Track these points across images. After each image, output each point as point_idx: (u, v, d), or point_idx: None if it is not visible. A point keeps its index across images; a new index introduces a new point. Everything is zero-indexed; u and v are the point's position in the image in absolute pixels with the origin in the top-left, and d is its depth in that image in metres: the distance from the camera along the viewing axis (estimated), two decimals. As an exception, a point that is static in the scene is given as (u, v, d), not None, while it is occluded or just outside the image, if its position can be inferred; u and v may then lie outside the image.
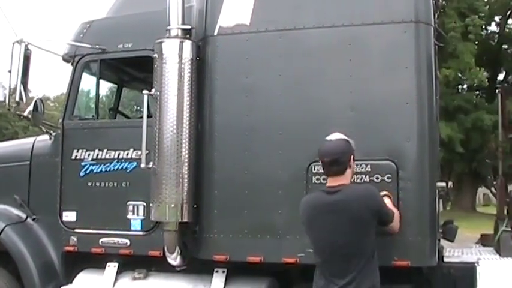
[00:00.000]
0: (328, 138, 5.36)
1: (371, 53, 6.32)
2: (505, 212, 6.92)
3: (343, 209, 5.05)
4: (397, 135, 6.07)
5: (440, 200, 7.64)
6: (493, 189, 7.63)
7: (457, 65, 31.76)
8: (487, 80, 36.76)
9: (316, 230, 5.12)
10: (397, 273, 5.99)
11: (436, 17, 6.93)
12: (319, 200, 5.18)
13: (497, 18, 40.35)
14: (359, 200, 5.11)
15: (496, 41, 40.88)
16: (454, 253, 6.90)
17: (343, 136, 5.38)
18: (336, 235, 5.02)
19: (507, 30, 40.12)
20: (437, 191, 6.32)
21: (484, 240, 7.42)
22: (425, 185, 6.03)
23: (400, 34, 6.22)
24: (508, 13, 39.22)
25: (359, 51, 6.32)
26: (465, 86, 39.45)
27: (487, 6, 37.75)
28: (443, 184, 6.89)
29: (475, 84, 36.22)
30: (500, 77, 41.67)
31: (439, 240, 6.40)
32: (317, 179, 6.15)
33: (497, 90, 33.45)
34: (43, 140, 7.92)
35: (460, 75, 34.08)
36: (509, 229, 6.63)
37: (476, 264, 6.03)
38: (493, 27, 41.14)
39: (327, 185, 5.26)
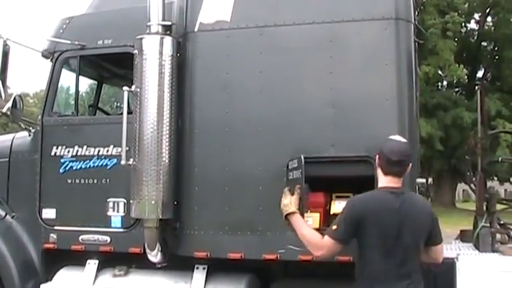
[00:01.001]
0: (392, 138, 5.25)
1: (351, 49, 6.33)
2: (484, 208, 6.96)
3: (410, 211, 4.99)
4: (377, 131, 6.08)
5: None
6: (472, 185, 7.66)
7: (437, 62, 31.95)
8: (466, 77, 37.00)
9: (382, 227, 4.90)
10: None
11: (416, 14, 6.97)
12: (386, 198, 5.00)
13: (476, 16, 40.69)
14: (425, 208, 5.16)
15: (475, 38, 41.20)
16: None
17: (404, 140, 5.35)
18: (402, 234, 4.90)
19: (486, 27, 40.45)
20: (417, 187, 6.35)
21: (463, 236, 7.46)
22: (404, 181, 6.04)
23: (381, 31, 6.25)
24: (487, 10, 39.53)
25: (340, 48, 6.34)
26: (445, 83, 39.75)
27: (467, 4, 38.03)
28: (423, 180, 6.94)
29: (455, 81, 36.48)
30: (480, 74, 42.00)
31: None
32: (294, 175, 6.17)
33: (476, 87, 33.72)
34: (22, 136, 7.87)
35: (439, 72, 34.29)
36: (488, 225, 6.68)
37: (455, 260, 6.07)
38: (472, 25, 41.54)
39: (384, 184, 5.09)
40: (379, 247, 4.91)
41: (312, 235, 5.17)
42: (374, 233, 4.90)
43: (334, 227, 4.99)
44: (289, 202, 5.44)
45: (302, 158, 5.76)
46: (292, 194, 5.51)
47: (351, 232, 4.94)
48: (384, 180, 5.10)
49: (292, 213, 5.34)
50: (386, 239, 4.90)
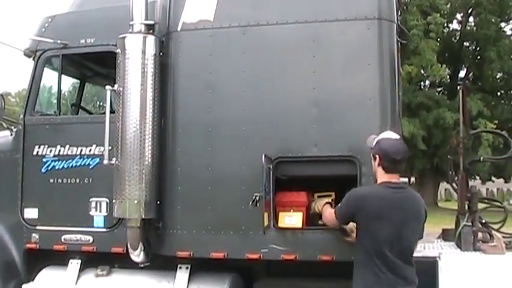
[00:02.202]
0: (387, 136, 5.49)
1: (334, 49, 6.35)
2: (466, 207, 6.99)
3: (410, 207, 5.30)
4: (359, 131, 6.10)
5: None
6: (454, 184, 7.67)
7: (419, 62, 32.07)
8: (448, 77, 37.23)
9: (385, 222, 5.11)
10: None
11: (399, 14, 6.99)
12: (388, 194, 5.23)
13: (458, 16, 40.91)
14: (421, 203, 5.42)
15: (457, 38, 41.38)
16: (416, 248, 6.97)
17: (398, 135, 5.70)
18: (403, 229, 5.15)
19: (468, 27, 40.64)
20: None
21: (446, 235, 7.49)
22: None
23: (363, 31, 6.27)
24: (469, 11, 39.72)
25: (322, 47, 6.35)
26: (427, 82, 39.92)
27: (449, 4, 38.22)
28: (406, 179, 6.95)
29: (437, 81, 36.64)
30: (462, 74, 42.21)
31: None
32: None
33: (458, 87, 33.88)
34: (4, 136, 7.79)
35: (422, 72, 34.43)
36: (470, 224, 6.70)
37: (437, 259, 6.09)
38: (454, 25, 41.71)
39: (385, 180, 5.32)
40: (381, 239, 5.10)
41: (328, 215, 5.75)
42: (376, 225, 5.13)
43: (339, 205, 5.48)
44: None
45: (263, 157, 5.99)
46: None
47: (348, 217, 5.43)
48: (384, 177, 5.34)
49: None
50: (389, 232, 5.10)
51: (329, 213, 5.70)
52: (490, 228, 6.96)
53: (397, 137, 5.57)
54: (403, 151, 5.37)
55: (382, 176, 5.34)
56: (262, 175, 6.02)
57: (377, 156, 5.35)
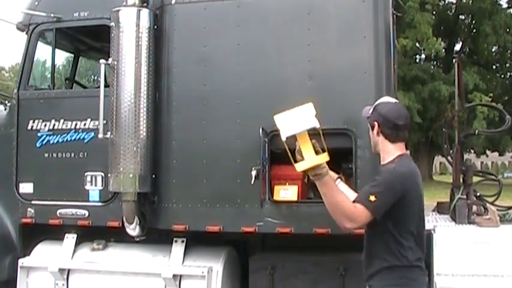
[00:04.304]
0: (386, 100, 4.85)
1: (329, 22, 6.31)
2: (461, 180, 7.00)
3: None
4: (355, 104, 6.08)
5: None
6: (449, 158, 7.68)
7: (415, 35, 32.02)
8: (443, 50, 37.15)
9: (418, 201, 4.50)
10: (356, 239, 6.06)
11: (394, -14, 6.95)
12: (414, 166, 4.64)
13: (454, -11, 40.74)
14: None
15: (453, 11, 41.27)
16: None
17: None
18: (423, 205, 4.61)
19: (464, 0, 40.49)
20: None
21: (440, 208, 7.51)
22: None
23: (359, 3, 6.22)
24: (465, -17, 39.58)
25: (317, 20, 6.31)
26: (422, 56, 39.88)
27: (445, -23, 38.06)
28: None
29: (432, 55, 36.58)
30: (457, 47, 42.17)
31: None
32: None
33: (453, 61, 33.84)
34: (-2, 111, 7.79)
35: (417, 45, 34.38)
36: (465, 197, 6.72)
37: (432, 232, 6.10)
38: (450, -2, 41.56)
39: (398, 152, 4.59)
40: (416, 224, 4.49)
41: (347, 205, 4.30)
42: (415, 208, 4.47)
43: (373, 198, 4.26)
44: (312, 156, 4.39)
45: (260, 130, 5.96)
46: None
47: (389, 206, 4.30)
48: (394, 148, 4.60)
49: (325, 174, 4.33)
50: (420, 215, 4.56)
51: (353, 208, 4.28)
52: (484, 201, 6.97)
53: (396, 101, 4.98)
54: (405, 115, 4.68)
55: (389, 149, 4.59)
56: (260, 148, 6.02)
57: (375, 123, 4.64)
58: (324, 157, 4.36)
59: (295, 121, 4.53)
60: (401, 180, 4.38)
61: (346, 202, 4.32)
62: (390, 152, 4.60)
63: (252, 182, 6.02)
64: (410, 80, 34.50)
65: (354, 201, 4.34)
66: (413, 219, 4.47)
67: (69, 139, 7.10)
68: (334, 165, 6.10)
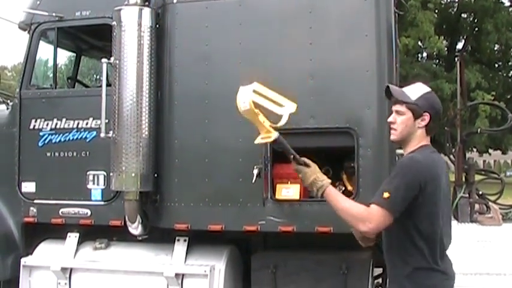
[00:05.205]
0: (427, 89, 4.45)
1: (331, 20, 6.30)
2: (463, 178, 7.01)
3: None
4: (357, 102, 6.09)
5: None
6: (451, 156, 7.67)
7: (417, 34, 31.90)
8: (446, 49, 37.05)
9: (442, 195, 4.14)
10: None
11: (396, -16, 6.94)
12: (440, 158, 4.36)
13: (456, -13, 40.64)
14: None
15: (455, 9, 41.18)
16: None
17: None
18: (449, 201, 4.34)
19: (466, -1, 40.43)
20: (396, 158, 6.37)
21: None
22: (384, 152, 6.07)
23: (361, 2, 6.21)
24: (467, -18, 39.48)
25: (319, 18, 6.30)
26: (424, 54, 39.77)
27: (447, -25, 38.00)
28: (403, 151, 6.96)
29: (434, 53, 36.50)
30: (459, 45, 42.06)
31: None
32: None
33: (456, 59, 33.81)
34: (0, 110, 7.78)
35: (419, 43, 34.31)
36: (467, 195, 6.73)
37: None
38: (452, -4, 41.46)
39: (425, 143, 4.32)
40: (441, 221, 4.15)
41: (356, 208, 4.15)
42: (438, 203, 4.10)
43: (386, 194, 4.00)
44: (314, 172, 4.37)
45: None
46: (302, 163, 4.46)
47: (408, 202, 3.99)
48: (424, 140, 4.31)
49: (327, 186, 4.28)
50: (446, 210, 4.25)
51: (364, 210, 4.10)
52: (486, 199, 6.98)
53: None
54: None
55: (421, 139, 4.29)
56: (261, 147, 6.02)
57: (427, 114, 4.24)
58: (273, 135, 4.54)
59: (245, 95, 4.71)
60: (418, 172, 4.04)
61: (354, 206, 4.18)
62: (420, 142, 4.29)
63: (254, 181, 6.02)
64: (412, 78, 34.35)
65: (370, 203, 4.09)
66: (436, 217, 4.10)
67: (71, 138, 7.10)
68: (336, 164, 6.16)
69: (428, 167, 4.09)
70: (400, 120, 4.28)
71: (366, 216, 4.05)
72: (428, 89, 4.40)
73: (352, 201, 4.35)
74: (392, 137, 4.36)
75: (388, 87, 4.46)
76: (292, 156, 4.48)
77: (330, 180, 4.34)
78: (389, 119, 4.33)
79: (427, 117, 4.24)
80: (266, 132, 4.58)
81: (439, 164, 4.22)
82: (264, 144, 6.02)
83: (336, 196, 4.27)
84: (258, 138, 4.66)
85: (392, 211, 3.97)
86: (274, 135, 4.52)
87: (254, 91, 4.75)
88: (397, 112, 4.30)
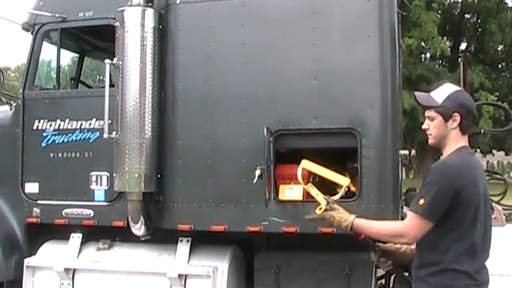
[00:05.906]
0: (459, 88, 4.42)
1: (334, 21, 6.29)
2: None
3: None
4: (360, 103, 6.09)
5: (403, 168, 7.72)
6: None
7: (420, 34, 31.92)
8: (449, 49, 37.07)
9: (480, 196, 4.11)
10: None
11: (400, -15, 6.93)
12: (476, 161, 4.32)
13: (459, -12, 40.63)
14: None
15: (458, 10, 41.16)
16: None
17: None
18: (486, 201, 4.25)
19: (469, -1, 40.42)
20: (400, 159, 6.37)
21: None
22: (388, 153, 6.07)
23: (364, 2, 6.21)
24: (470, -18, 39.47)
25: (322, 19, 6.30)
26: (428, 55, 39.77)
27: (450, -24, 37.98)
28: (406, 152, 6.96)
29: (438, 54, 36.50)
30: (463, 46, 42.05)
31: (402, 207, 6.46)
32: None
33: (459, 60, 33.78)
34: (3, 111, 7.78)
35: (422, 44, 34.30)
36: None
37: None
38: (455, -3, 41.45)
39: (463, 144, 4.28)
40: (475, 224, 4.08)
41: (386, 225, 4.43)
42: (476, 206, 4.07)
43: (422, 201, 4.04)
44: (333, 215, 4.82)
45: (265, 129, 6.03)
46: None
47: (444, 207, 4.00)
48: (460, 141, 4.27)
49: (351, 221, 4.61)
50: (486, 214, 4.19)
51: (394, 224, 4.51)
52: (490, 200, 6.97)
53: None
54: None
55: (458, 140, 4.25)
56: (264, 148, 6.02)
57: (457, 114, 4.19)
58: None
59: None
60: (451, 176, 4.03)
61: (383, 225, 4.48)
62: (457, 144, 4.25)
63: (255, 181, 6.02)
64: (415, 79, 34.36)
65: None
66: (472, 220, 4.06)
67: (74, 139, 7.11)
68: (340, 165, 6.15)
69: (462, 171, 4.10)
70: (432, 125, 4.30)
71: (403, 230, 4.20)
72: (455, 88, 4.37)
73: (379, 221, 4.58)
74: (429, 142, 4.38)
75: (414, 95, 4.46)
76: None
77: (353, 216, 4.70)
78: (424, 126, 4.37)
79: (457, 117, 4.21)
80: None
81: (476, 166, 4.24)
82: (267, 145, 6.04)
83: (362, 225, 4.59)
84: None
85: (429, 217, 4.04)
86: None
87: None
88: (428, 118, 4.33)
